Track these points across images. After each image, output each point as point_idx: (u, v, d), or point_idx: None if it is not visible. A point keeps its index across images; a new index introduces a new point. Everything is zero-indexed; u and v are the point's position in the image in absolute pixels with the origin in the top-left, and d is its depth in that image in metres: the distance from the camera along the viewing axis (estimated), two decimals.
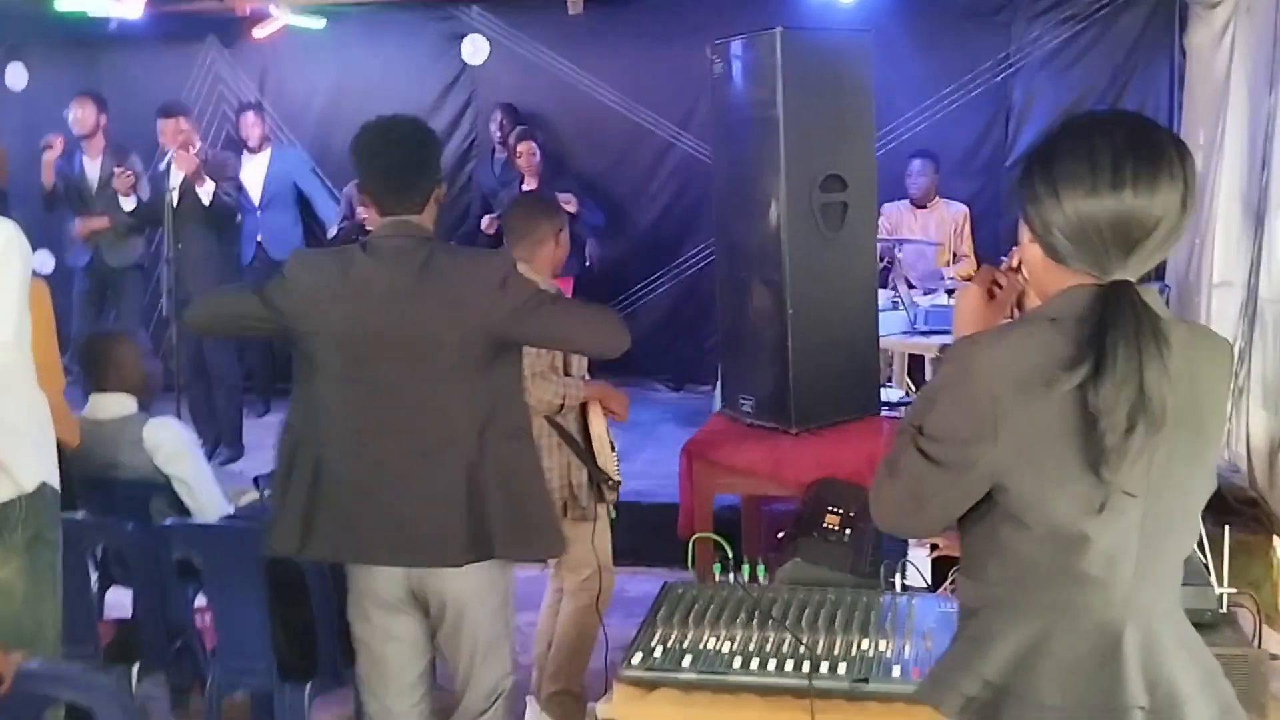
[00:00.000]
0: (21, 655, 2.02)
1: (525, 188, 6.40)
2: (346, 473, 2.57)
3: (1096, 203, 1.51)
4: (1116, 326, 1.48)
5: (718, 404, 4.55)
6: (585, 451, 3.40)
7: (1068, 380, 1.48)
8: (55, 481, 2.71)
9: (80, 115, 6.18)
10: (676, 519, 4.08)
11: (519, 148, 6.46)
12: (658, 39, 6.85)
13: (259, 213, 6.60)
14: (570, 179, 6.72)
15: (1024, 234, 1.65)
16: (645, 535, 4.61)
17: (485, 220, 6.64)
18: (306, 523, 2.57)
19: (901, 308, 5.33)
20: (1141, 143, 1.53)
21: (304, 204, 6.89)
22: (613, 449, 3.46)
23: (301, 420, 2.64)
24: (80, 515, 3.13)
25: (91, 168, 6.26)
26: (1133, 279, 1.54)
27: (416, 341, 2.55)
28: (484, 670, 2.72)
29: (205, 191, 5.81)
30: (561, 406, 3.30)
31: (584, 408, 3.42)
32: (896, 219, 6.15)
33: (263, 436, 6.56)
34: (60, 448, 3.16)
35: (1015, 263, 1.95)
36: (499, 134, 6.93)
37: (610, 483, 3.44)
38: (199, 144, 6.11)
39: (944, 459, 1.59)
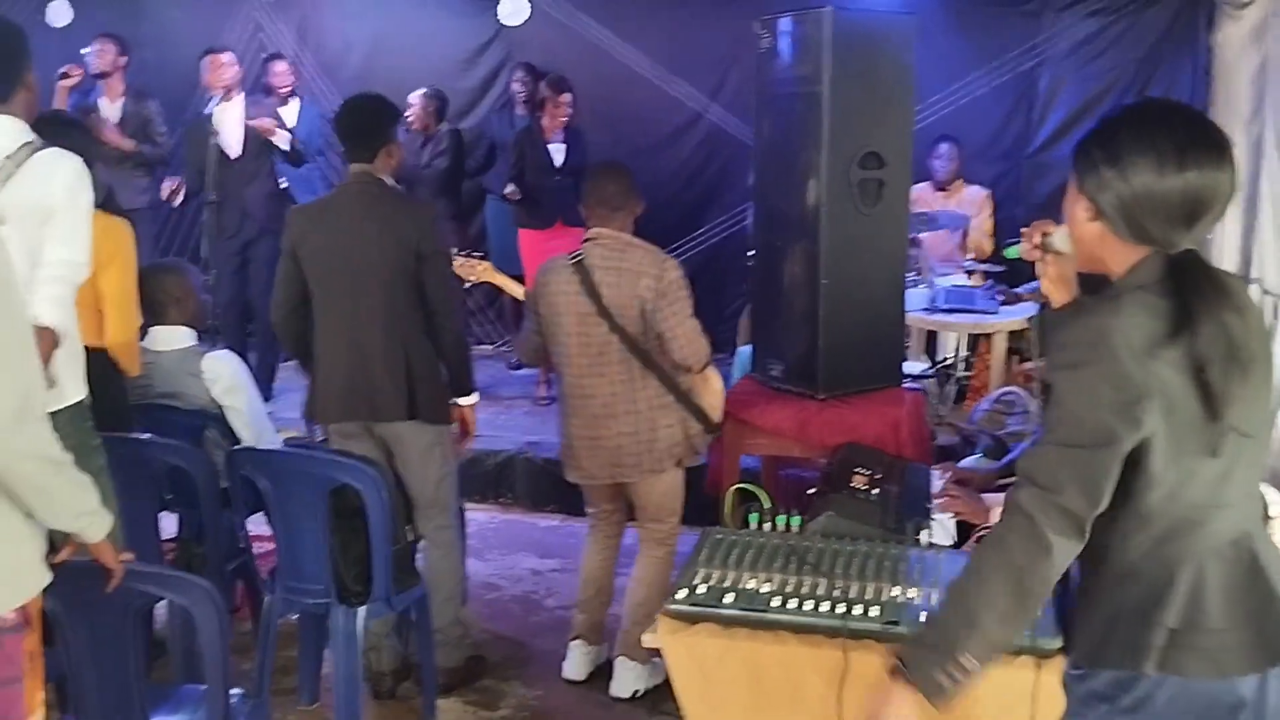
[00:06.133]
0: (132, 556, 2.18)
1: (551, 138, 6.33)
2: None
3: (1163, 183, 1.68)
4: (1199, 289, 1.66)
5: (737, 371, 4.70)
6: (698, 407, 3.65)
7: (1182, 341, 1.63)
8: (87, 396, 2.92)
9: (99, 54, 6.23)
10: (698, 479, 4.24)
11: (560, 98, 6.29)
12: (696, 10, 6.95)
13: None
14: (590, 145, 6.60)
15: (1079, 213, 1.81)
16: None
17: (510, 189, 6.41)
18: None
19: (923, 285, 5.48)
20: (1198, 130, 1.72)
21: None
22: None
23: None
24: (147, 436, 3.27)
25: (110, 109, 6.33)
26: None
27: (368, 260, 3.44)
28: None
29: (283, 139, 6.06)
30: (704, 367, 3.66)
31: None
32: (918, 200, 6.26)
33: (289, 380, 6.73)
34: (121, 376, 3.34)
35: (1036, 241, 2.16)
36: (522, 92, 6.86)
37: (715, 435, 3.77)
38: (240, 92, 6.20)
39: (1105, 434, 1.65)
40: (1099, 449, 1.65)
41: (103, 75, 6.29)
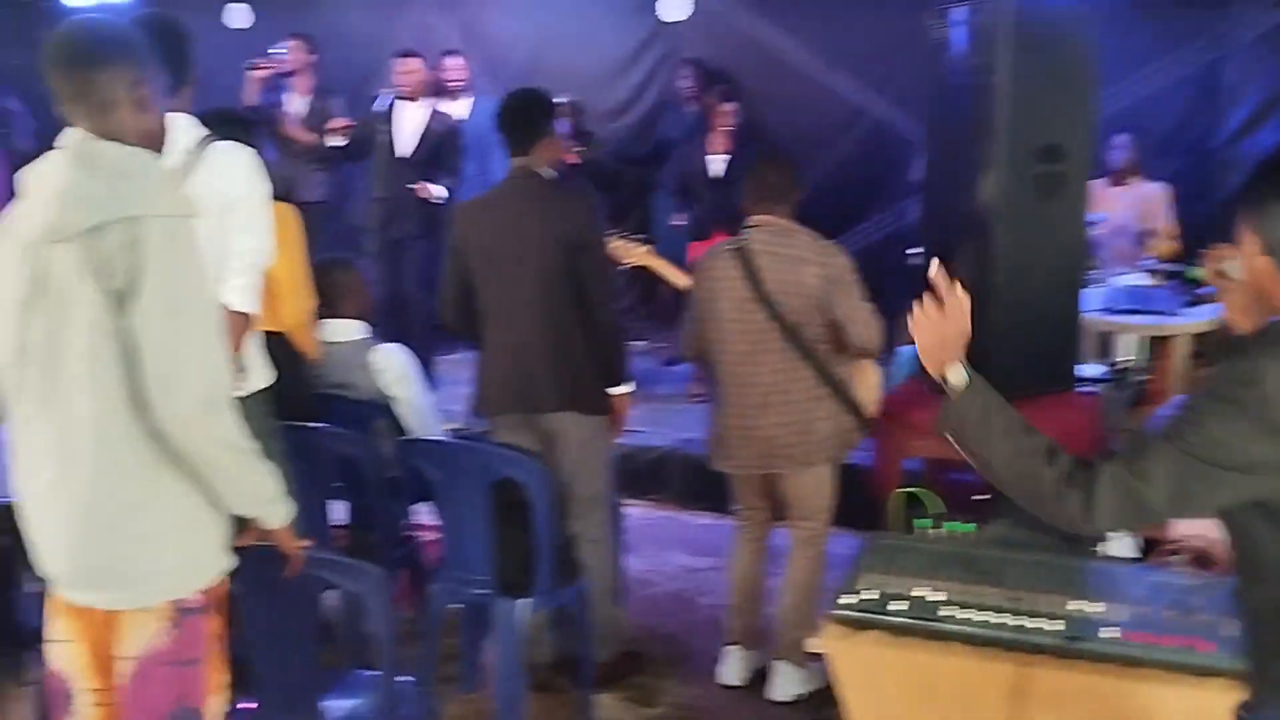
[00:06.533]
0: (310, 542, 2.23)
1: (713, 149, 6.33)
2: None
3: None
4: None
5: (901, 372, 4.58)
6: (853, 401, 3.60)
7: None
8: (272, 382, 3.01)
9: (291, 52, 6.53)
10: (850, 481, 4.14)
11: (724, 106, 6.29)
12: (860, 2, 6.80)
13: None
14: (756, 144, 6.60)
15: (1248, 246, 1.70)
16: None
17: (678, 217, 6.57)
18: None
19: (1099, 285, 5.26)
20: None
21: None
22: None
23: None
24: (321, 425, 3.35)
25: (297, 104, 6.60)
26: None
27: (527, 252, 3.44)
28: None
29: (439, 196, 6.19)
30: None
31: None
32: (1094, 195, 6.01)
33: (446, 372, 6.87)
34: (302, 362, 3.43)
35: (1215, 266, 2.02)
36: (689, 87, 6.84)
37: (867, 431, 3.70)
38: (427, 99, 6.37)
39: (1225, 459, 1.63)
40: (1213, 468, 1.62)
41: (292, 73, 6.57)
